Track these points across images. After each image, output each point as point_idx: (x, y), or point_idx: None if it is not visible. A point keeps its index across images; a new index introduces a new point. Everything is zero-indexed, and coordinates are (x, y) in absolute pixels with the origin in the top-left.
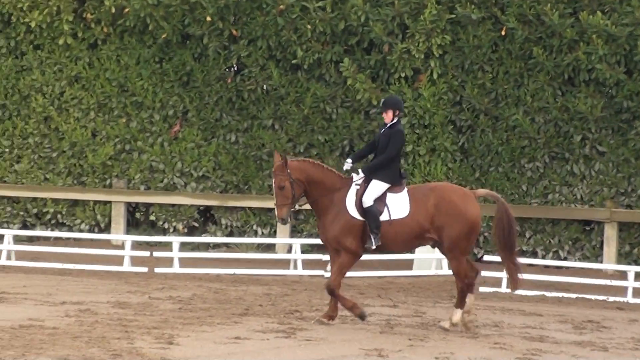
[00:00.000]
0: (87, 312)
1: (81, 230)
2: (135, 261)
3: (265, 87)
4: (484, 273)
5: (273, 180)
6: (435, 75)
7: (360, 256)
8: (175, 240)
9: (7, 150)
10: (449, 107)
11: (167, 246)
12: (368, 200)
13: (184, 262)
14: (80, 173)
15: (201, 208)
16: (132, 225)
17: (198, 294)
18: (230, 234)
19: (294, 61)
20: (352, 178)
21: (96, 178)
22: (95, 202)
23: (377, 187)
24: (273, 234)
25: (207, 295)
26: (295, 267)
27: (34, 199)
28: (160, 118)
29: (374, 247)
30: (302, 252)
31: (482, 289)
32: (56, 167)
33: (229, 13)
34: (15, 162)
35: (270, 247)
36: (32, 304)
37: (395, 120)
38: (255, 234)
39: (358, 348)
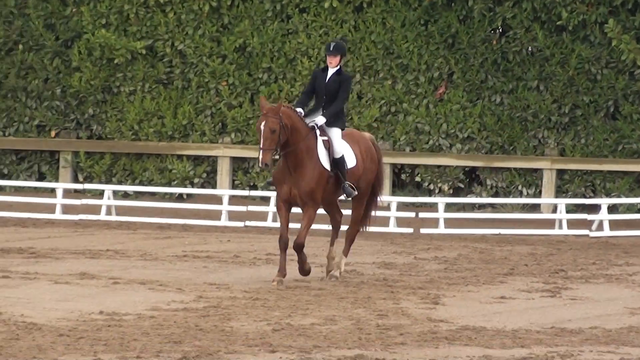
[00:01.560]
0: (352, 273)
1: None
2: (400, 222)
3: (530, 48)
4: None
5: (263, 123)
6: None
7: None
8: (441, 201)
9: None
10: None
11: (433, 207)
12: (339, 151)
13: (449, 223)
14: None
15: (466, 169)
16: (398, 186)
17: (463, 254)
18: (496, 195)
19: (558, 22)
20: (313, 126)
21: None
22: None
23: (339, 135)
24: (538, 194)
25: (472, 255)
26: (561, 227)
27: None
28: (426, 80)
29: (354, 194)
30: (567, 212)
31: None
32: None
33: None
34: None
35: (535, 207)
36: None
37: (340, 65)
38: (520, 194)
39: (623, 307)
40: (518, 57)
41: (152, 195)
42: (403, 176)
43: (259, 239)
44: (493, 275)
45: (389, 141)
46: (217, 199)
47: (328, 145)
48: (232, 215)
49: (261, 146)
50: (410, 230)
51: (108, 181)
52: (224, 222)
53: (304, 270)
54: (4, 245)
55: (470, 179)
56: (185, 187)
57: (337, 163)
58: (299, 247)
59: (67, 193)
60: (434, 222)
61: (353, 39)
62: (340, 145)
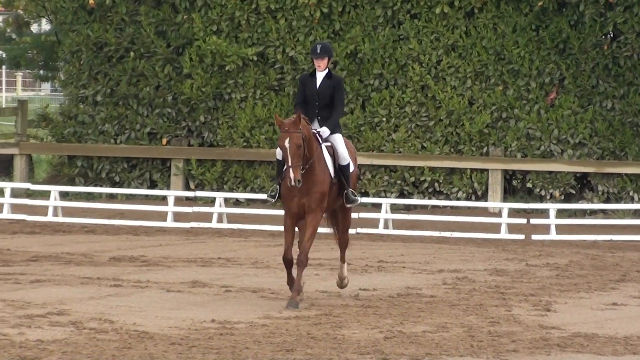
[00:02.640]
0: (464, 280)
1: (458, 199)
2: (512, 228)
3: None
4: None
5: (287, 140)
6: None
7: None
8: (552, 207)
9: (384, 119)
10: None
11: (544, 213)
12: (345, 157)
13: (560, 229)
14: (457, 141)
15: (578, 175)
16: (509, 192)
17: (575, 260)
18: (607, 200)
19: None
20: (321, 132)
21: (473, 146)
22: (472, 170)
23: (342, 141)
24: None
25: (584, 262)
26: None
27: (411, 168)
28: (537, 85)
29: (358, 202)
30: None
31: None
32: (433, 136)
33: None
34: (393, 131)
35: None
36: (409, 273)
37: (328, 68)
38: (632, 200)
39: None
40: (629, 62)
41: (264, 203)
42: (514, 182)
43: (371, 246)
44: (605, 282)
45: (500, 147)
46: None
47: (332, 152)
48: None
49: (290, 163)
50: (522, 236)
51: (219, 188)
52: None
53: (292, 297)
54: (115, 254)
55: (582, 185)
56: None
57: (343, 170)
58: (304, 259)
59: (179, 201)
60: (546, 229)
61: (464, 45)
62: (345, 152)
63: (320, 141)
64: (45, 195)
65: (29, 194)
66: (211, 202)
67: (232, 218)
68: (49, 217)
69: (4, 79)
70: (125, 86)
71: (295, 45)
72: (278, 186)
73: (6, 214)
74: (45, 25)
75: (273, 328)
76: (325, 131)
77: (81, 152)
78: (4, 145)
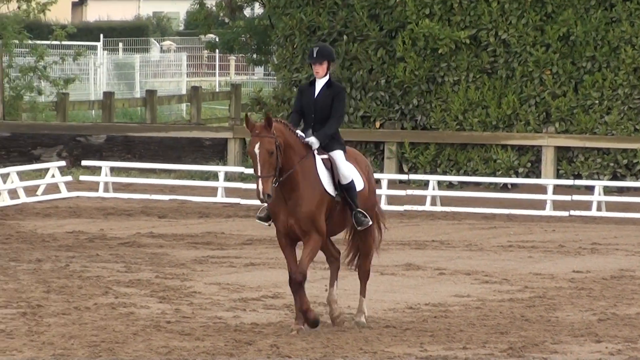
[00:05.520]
0: None
1: None
2: None
3: None
4: None
5: (257, 145)
6: None
7: (325, 241)
8: None
9: (596, 101)
10: None
11: None
12: (348, 175)
13: None
14: None
15: None
16: None
17: None
18: None
19: None
20: (309, 143)
21: None
22: None
23: (342, 157)
24: None
25: None
26: None
27: (624, 150)
28: None
29: (370, 224)
30: None
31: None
32: None
33: None
34: (605, 114)
35: None
36: (623, 255)
37: (329, 74)
38: None
39: None
40: None
41: (477, 185)
42: None
43: (584, 228)
44: None
45: None
46: (542, 189)
47: (330, 165)
48: (557, 205)
49: (259, 173)
50: None
51: (433, 172)
52: (548, 211)
53: (308, 320)
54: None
55: None
56: (510, 177)
57: (347, 189)
58: (297, 283)
59: (392, 184)
60: None
61: None
62: (347, 169)
63: (315, 152)
64: None
65: (243, 177)
66: (424, 185)
67: (445, 201)
68: None
69: (217, 63)
70: (339, 69)
71: (507, 28)
72: (268, 208)
73: (220, 198)
74: (259, 9)
75: (487, 310)
76: (313, 142)
77: None
78: (217, 129)
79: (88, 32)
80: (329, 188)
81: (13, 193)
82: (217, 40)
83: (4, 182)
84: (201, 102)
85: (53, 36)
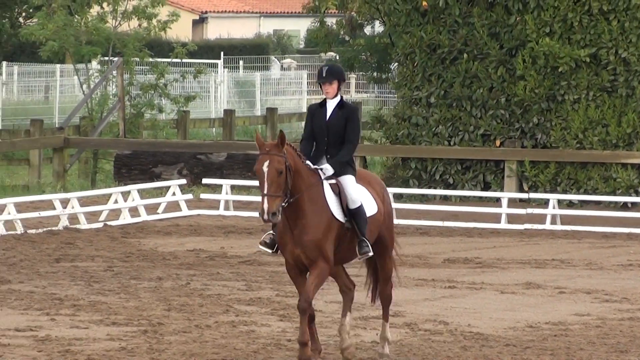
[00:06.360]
0: None
1: None
2: None
3: None
4: None
5: (266, 163)
6: None
7: (332, 269)
8: None
9: None
10: None
11: None
12: (356, 199)
13: None
14: None
15: None
16: None
17: None
18: None
19: None
20: (319, 172)
21: None
22: None
23: (353, 181)
24: None
25: None
26: None
27: None
28: None
29: (370, 254)
30: None
31: None
32: None
33: None
34: None
35: None
36: None
37: (340, 95)
38: None
39: None
40: None
41: (597, 204)
42: None
43: None
44: None
45: None
46: None
47: (338, 190)
48: None
49: (265, 192)
50: None
51: (553, 190)
52: None
53: (300, 354)
54: (450, 255)
55: None
56: (630, 195)
57: (354, 214)
58: (302, 310)
59: (512, 202)
60: None
61: None
62: (355, 192)
63: (322, 178)
64: None
65: None
66: (544, 203)
67: (565, 220)
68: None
69: None
70: (459, 88)
71: (627, 46)
72: (273, 233)
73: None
74: (379, 27)
75: (607, 329)
76: (328, 169)
77: (415, 154)
78: None
79: (209, 49)
80: (338, 214)
81: (134, 211)
82: (337, 58)
83: (125, 200)
84: None
85: (174, 54)
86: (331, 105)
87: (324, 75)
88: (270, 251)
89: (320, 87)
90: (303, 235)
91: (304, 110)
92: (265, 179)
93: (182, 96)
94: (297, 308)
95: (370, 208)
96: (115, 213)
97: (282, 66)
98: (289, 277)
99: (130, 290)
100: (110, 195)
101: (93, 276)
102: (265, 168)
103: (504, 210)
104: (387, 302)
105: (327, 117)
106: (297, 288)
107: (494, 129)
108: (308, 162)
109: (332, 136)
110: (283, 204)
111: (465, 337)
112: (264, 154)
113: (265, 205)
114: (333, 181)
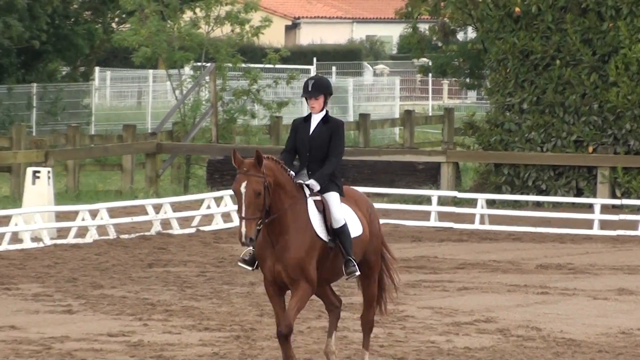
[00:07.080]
0: None
1: None
2: None
3: None
4: None
5: (244, 184)
6: None
7: (315, 290)
8: None
9: None
10: None
11: None
12: (340, 219)
13: None
14: None
15: None
16: None
17: None
18: None
19: None
20: (302, 185)
21: None
22: None
23: (337, 200)
24: None
25: None
26: None
27: None
28: None
29: (357, 274)
30: None
31: None
32: None
33: None
34: None
35: None
36: None
37: (326, 110)
38: None
39: None
40: None
41: None
42: None
43: None
44: None
45: None
46: None
47: (322, 207)
48: None
49: (243, 215)
50: None
51: None
52: None
53: None
54: (542, 261)
55: None
56: None
57: (339, 234)
58: (282, 335)
59: (605, 209)
60: None
61: None
62: (339, 212)
63: (307, 194)
64: (472, 203)
65: (456, 202)
66: (637, 210)
67: None
68: (476, 225)
69: (430, 86)
70: (552, 94)
71: None
72: (253, 249)
73: (433, 222)
74: (472, 33)
75: None
76: (314, 184)
77: (508, 160)
78: (431, 153)
79: (301, 55)
80: (321, 232)
81: (226, 216)
82: (430, 64)
83: (218, 205)
84: (414, 126)
85: (266, 59)
86: (315, 119)
87: (309, 89)
88: (250, 268)
89: (306, 101)
90: (285, 252)
91: (397, 116)
92: (243, 201)
93: (274, 102)
94: (276, 335)
95: (355, 229)
96: (208, 218)
97: (374, 72)
98: (267, 295)
99: (222, 295)
100: (202, 200)
101: (185, 281)
102: (243, 189)
103: (597, 216)
104: (368, 329)
105: (311, 131)
106: (273, 308)
107: (587, 135)
108: (293, 173)
109: (314, 150)
110: (265, 221)
111: (558, 343)
112: (242, 174)
113: (243, 230)
114: (318, 198)
